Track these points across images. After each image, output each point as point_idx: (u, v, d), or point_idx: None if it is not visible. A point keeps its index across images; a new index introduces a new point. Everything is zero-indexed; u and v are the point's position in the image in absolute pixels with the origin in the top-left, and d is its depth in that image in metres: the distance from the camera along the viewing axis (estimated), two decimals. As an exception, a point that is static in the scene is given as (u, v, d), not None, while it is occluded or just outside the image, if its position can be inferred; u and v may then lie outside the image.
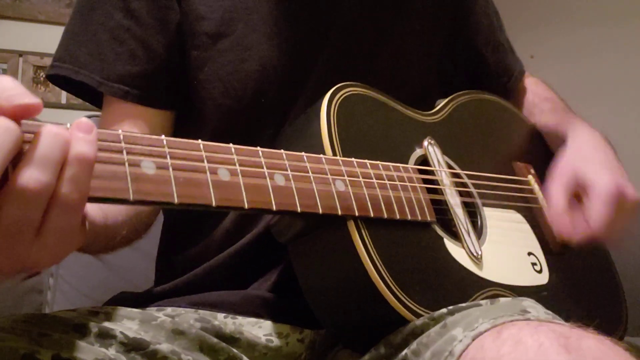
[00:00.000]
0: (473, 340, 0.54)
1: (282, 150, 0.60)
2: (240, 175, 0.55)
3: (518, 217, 0.84)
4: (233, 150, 0.56)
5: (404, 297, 0.62)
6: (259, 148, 0.58)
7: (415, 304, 0.63)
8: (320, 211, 0.60)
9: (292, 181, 0.59)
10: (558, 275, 0.83)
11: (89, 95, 0.82)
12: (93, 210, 0.59)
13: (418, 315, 0.62)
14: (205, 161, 0.53)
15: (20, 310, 1.06)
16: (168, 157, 0.50)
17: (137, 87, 0.78)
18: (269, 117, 0.80)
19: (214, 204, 0.52)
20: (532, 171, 0.91)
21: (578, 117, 0.98)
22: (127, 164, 0.47)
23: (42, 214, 0.44)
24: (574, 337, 0.51)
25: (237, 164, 0.55)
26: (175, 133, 0.84)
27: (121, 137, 0.48)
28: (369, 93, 0.76)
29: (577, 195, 0.84)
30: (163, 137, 0.51)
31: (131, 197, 0.47)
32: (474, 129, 0.89)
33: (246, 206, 0.54)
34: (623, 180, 0.81)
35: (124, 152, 0.48)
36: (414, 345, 0.60)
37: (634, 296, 0.90)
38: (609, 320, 0.85)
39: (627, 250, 0.90)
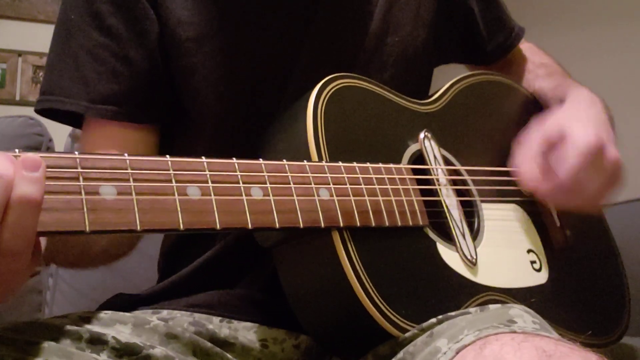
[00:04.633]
0: (457, 353, 0.53)
1: (261, 161, 0.56)
2: (212, 193, 0.51)
3: (519, 212, 0.80)
4: (205, 164, 0.52)
5: (390, 312, 0.59)
6: (234, 160, 0.54)
7: (401, 319, 0.60)
8: (301, 225, 0.56)
9: (270, 195, 0.55)
10: (558, 272, 0.79)
11: (80, 122, 0.78)
12: None
13: (404, 330, 0.60)
14: (173, 181, 0.49)
15: (19, 310, 1.04)
16: (131, 179, 0.47)
17: (125, 105, 0.74)
18: (264, 111, 0.75)
19: (181, 227, 0.48)
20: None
21: (576, 82, 0.93)
22: (83, 192, 0.44)
23: None
24: (557, 355, 0.49)
25: (209, 181, 0.51)
26: (174, 143, 0.81)
27: (78, 160, 0.45)
28: (361, 84, 0.71)
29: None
30: (126, 156, 0.48)
31: (87, 229, 0.43)
32: (477, 116, 0.84)
33: (218, 227, 0.50)
34: (607, 139, 0.75)
35: (81, 178, 0.44)
36: (400, 354, 0.59)
37: (636, 295, 0.87)
38: (608, 319, 0.82)
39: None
